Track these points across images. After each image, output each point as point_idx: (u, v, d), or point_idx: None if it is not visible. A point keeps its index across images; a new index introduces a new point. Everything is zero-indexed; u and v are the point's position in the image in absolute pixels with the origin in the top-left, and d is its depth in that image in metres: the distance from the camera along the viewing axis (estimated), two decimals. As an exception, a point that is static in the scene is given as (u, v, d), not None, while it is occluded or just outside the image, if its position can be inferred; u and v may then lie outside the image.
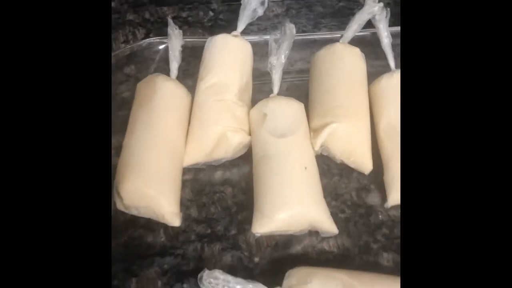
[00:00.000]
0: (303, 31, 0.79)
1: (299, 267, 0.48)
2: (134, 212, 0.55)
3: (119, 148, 0.58)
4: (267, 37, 0.66)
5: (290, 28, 0.62)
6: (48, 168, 0.35)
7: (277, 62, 0.62)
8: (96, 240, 0.35)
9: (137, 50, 0.74)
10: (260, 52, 0.70)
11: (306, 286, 0.45)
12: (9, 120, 0.35)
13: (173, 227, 0.56)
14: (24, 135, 0.35)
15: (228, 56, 0.64)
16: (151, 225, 0.57)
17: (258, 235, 0.54)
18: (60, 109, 0.36)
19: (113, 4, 0.81)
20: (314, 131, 0.60)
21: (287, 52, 0.62)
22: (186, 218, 0.58)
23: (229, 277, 0.45)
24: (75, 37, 0.38)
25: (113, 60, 0.71)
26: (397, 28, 0.75)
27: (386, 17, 0.66)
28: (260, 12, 0.67)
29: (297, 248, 0.56)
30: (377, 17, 0.66)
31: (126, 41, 0.77)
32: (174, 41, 0.64)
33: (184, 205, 0.59)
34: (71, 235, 0.35)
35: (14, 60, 0.36)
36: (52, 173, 0.35)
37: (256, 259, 0.55)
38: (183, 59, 0.68)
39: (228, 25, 0.78)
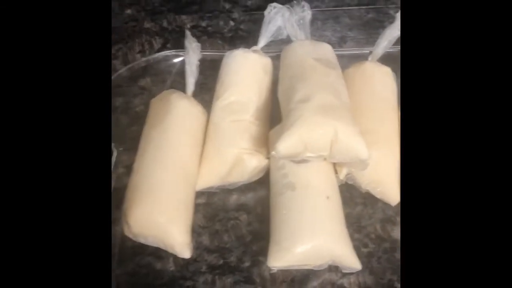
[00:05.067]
0: (329, 45, 0.74)
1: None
2: (142, 240, 0.52)
3: (130, 166, 0.55)
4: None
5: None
6: (41, 182, 0.33)
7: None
8: (94, 268, 0.33)
9: (153, 62, 0.71)
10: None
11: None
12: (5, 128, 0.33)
13: (183, 257, 0.53)
14: (20, 145, 0.33)
15: (246, 73, 0.60)
16: (160, 252, 0.53)
17: (274, 269, 0.50)
18: (56, 122, 0.34)
19: (129, 11, 0.78)
20: (339, 158, 0.55)
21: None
22: (197, 246, 0.54)
23: None
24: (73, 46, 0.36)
25: (128, 72, 0.68)
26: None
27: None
28: (285, 33, 0.62)
29: (314, 284, 0.52)
30: (408, 33, 0.61)
31: (142, 51, 0.74)
32: (192, 55, 0.61)
33: (195, 231, 0.55)
34: (66, 260, 0.33)
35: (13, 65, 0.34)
36: (46, 190, 0.33)
37: (271, 295, 0.51)
38: (201, 72, 0.65)
39: (249, 36, 0.74)
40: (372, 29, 0.75)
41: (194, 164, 0.56)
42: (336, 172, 0.56)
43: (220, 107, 0.58)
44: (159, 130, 0.55)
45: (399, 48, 0.66)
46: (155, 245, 0.52)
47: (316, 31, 0.75)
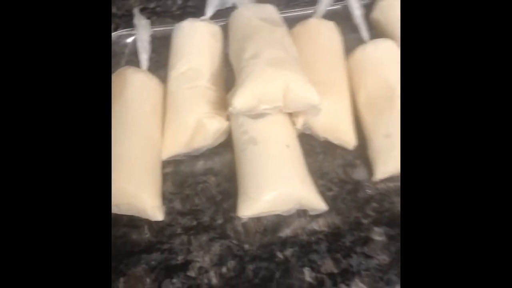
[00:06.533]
0: (275, 11, 0.76)
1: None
2: (114, 210, 0.53)
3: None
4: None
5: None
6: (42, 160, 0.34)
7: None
8: (95, 239, 0.34)
9: (105, 45, 0.71)
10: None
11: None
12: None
13: (157, 222, 0.54)
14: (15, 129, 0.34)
15: (197, 41, 0.62)
16: (134, 222, 0.55)
17: (245, 218, 0.53)
18: (55, 102, 0.35)
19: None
20: (295, 109, 0.58)
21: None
22: (170, 211, 0.56)
23: None
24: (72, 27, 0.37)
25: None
26: (369, -1, 0.74)
27: (356, -12, 0.64)
28: (231, 1, 0.65)
29: (286, 231, 0.54)
30: (347, -12, 0.64)
31: (94, 37, 0.74)
32: (142, 32, 0.62)
33: (166, 198, 0.57)
34: (65, 234, 0.33)
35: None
36: (46, 167, 0.34)
37: (246, 246, 0.53)
38: (154, 50, 0.66)
39: (198, 12, 0.75)
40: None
41: (157, 134, 0.58)
42: (293, 123, 0.58)
43: (175, 77, 0.60)
44: (119, 104, 0.56)
45: (343, 4, 0.70)
46: (129, 213, 0.53)
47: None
